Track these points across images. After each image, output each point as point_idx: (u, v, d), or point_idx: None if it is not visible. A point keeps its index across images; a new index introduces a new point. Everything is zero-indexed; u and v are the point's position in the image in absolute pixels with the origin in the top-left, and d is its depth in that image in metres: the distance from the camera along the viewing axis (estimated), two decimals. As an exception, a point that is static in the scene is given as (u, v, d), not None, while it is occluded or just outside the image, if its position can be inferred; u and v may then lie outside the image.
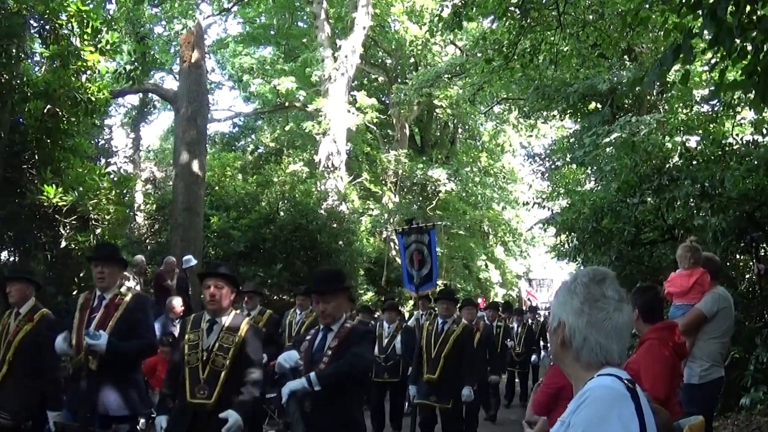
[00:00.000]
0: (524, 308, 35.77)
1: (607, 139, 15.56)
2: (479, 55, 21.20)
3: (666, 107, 19.71)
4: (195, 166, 19.85)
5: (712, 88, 9.10)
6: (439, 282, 31.23)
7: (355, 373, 5.75)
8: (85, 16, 12.10)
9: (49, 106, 12.25)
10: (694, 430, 4.52)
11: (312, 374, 5.55)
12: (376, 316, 17.06)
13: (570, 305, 2.64)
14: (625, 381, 2.48)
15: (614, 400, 2.41)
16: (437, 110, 38.35)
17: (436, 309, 12.13)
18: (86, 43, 12.56)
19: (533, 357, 18.96)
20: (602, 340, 2.57)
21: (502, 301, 25.83)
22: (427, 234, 11.87)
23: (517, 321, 19.03)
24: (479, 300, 33.62)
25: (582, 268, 12.66)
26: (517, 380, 19.11)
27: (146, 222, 23.40)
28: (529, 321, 20.34)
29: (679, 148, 13.31)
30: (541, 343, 20.18)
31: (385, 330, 13.67)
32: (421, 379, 10.04)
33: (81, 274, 12.11)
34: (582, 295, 2.63)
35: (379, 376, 12.84)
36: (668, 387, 5.43)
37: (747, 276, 12.82)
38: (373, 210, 33.01)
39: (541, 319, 24.90)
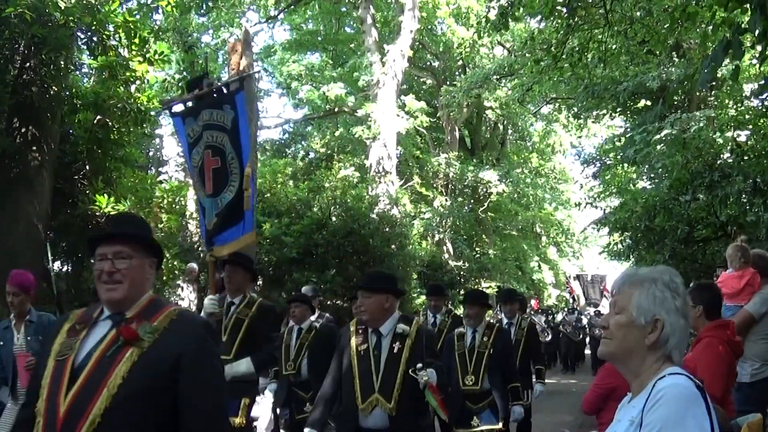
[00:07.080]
0: (575, 306, 35.11)
1: (658, 137, 15.42)
2: (527, 55, 21.13)
3: (716, 103, 19.51)
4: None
5: (762, 82, 9.00)
6: (492, 284, 30.85)
7: None
8: (132, 26, 12.20)
9: (98, 117, 12.45)
10: (752, 428, 4.47)
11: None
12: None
13: (672, 304, 2.66)
14: (695, 381, 2.55)
15: (689, 399, 2.47)
16: (486, 112, 38.29)
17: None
18: (134, 53, 12.69)
19: (515, 409, 8.32)
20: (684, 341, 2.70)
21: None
22: (230, 106, 6.34)
23: (471, 324, 8.36)
24: (532, 301, 33.32)
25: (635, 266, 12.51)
26: None
27: (199, 230, 23.52)
28: (504, 320, 10.41)
29: (729, 143, 13.22)
30: (534, 366, 10.66)
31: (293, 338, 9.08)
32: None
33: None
34: (683, 296, 2.68)
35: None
36: (725, 385, 5.38)
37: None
38: (424, 213, 32.95)
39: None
